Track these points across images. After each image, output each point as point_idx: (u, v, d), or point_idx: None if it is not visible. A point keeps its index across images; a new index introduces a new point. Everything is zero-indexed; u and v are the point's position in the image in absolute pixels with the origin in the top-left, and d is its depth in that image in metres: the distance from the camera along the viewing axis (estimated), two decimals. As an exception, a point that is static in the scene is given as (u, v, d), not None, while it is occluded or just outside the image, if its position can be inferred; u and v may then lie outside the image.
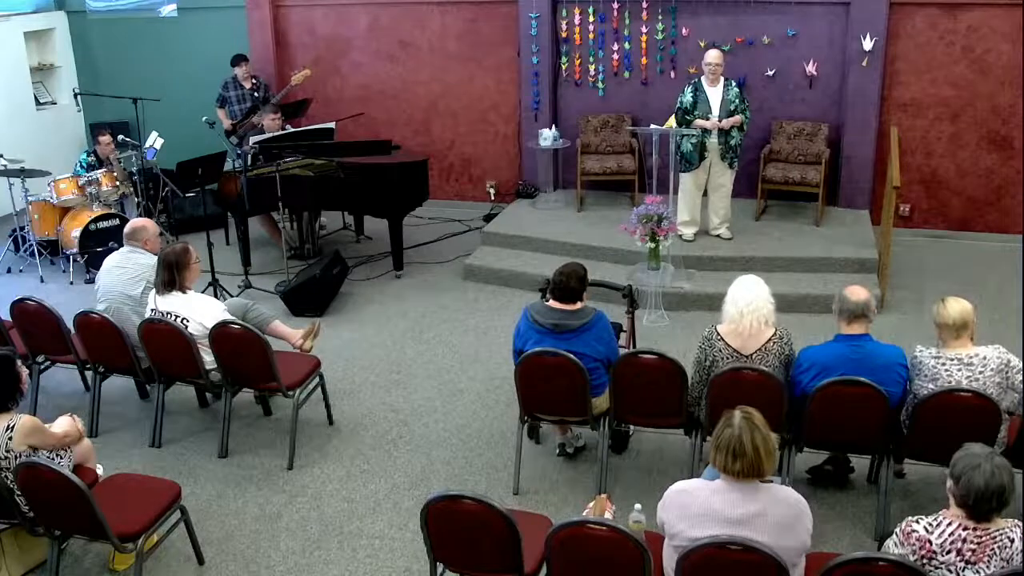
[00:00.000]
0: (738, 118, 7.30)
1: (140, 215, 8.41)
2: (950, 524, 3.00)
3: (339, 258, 7.59)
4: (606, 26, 8.80)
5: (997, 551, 2.95)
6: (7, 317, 5.62)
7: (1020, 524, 2.99)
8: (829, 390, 4.22)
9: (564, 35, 8.95)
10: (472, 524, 3.36)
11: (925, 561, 2.99)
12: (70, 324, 5.40)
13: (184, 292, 5.15)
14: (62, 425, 4.15)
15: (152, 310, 5.15)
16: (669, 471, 4.91)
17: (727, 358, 4.37)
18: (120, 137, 8.81)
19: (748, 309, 4.31)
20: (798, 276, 7.26)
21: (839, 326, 4.38)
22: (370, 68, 9.76)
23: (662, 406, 4.62)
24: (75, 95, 10.33)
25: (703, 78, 7.39)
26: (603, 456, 4.74)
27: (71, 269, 8.06)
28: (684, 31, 8.63)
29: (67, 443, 4.15)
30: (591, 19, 8.82)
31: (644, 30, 8.70)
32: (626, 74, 8.89)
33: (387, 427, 5.58)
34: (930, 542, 2.99)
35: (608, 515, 3.50)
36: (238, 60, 9.25)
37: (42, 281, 8.06)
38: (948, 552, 2.97)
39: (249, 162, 7.85)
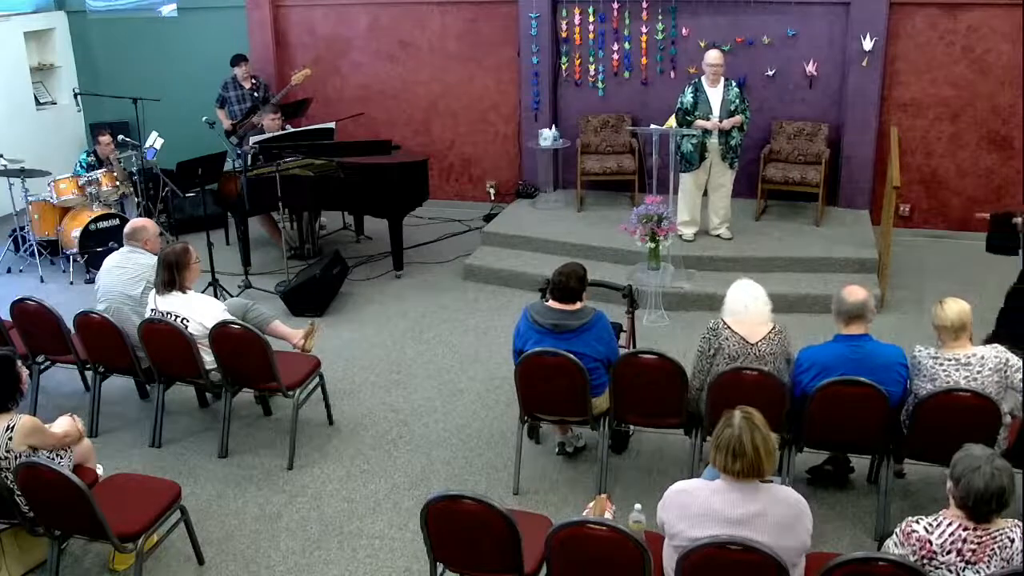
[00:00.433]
0: (739, 118, 7.31)
1: (140, 215, 8.41)
2: (950, 524, 3.00)
3: (339, 258, 7.59)
4: (606, 26, 8.80)
5: (997, 551, 2.95)
6: (7, 317, 5.62)
7: (1020, 524, 2.99)
8: (829, 390, 4.22)
9: (564, 35, 8.95)
10: (472, 524, 3.36)
11: (925, 561, 2.99)
12: (70, 324, 5.40)
13: (184, 292, 5.15)
14: (62, 425, 4.15)
15: (152, 310, 5.15)
16: (669, 471, 4.91)
17: (734, 346, 4.40)
18: (120, 137, 8.81)
19: (751, 302, 4.43)
20: (798, 276, 7.26)
21: (838, 326, 4.38)
22: (370, 68, 9.76)
23: (662, 406, 4.62)
24: (75, 95, 10.33)
25: (703, 78, 7.39)
26: (603, 456, 4.75)
27: (71, 269, 8.06)
28: (684, 31, 8.63)
29: (67, 443, 4.15)
30: (591, 19, 8.82)
31: (644, 30, 8.70)
32: (626, 74, 8.89)
33: (387, 427, 5.58)
34: (930, 542, 3.00)
35: (608, 515, 3.50)
36: (238, 60, 9.25)
37: (42, 281, 8.06)
38: (948, 552, 2.97)
39: (249, 162, 7.85)
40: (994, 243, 5.99)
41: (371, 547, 4.47)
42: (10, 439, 3.86)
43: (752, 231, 7.93)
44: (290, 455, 5.17)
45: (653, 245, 6.65)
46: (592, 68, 8.96)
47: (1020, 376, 4.15)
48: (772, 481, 3.19)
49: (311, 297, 7.17)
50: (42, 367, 5.71)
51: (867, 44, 8.06)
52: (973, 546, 2.96)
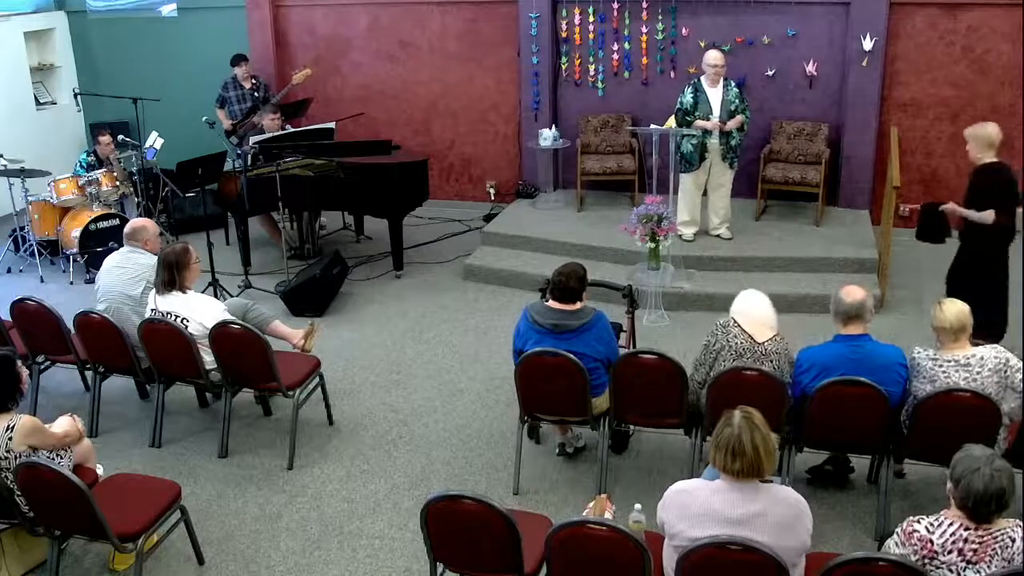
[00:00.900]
0: (740, 118, 7.31)
1: (140, 215, 8.41)
2: (951, 524, 3.00)
3: (339, 258, 7.59)
4: (606, 26, 8.80)
5: (999, 551, 2.95)
6: (7, 317, 5.62)
7: (1021, 524, 2.99)
8: (829, 390, 4.22)
9: (564, 35, 8.95)
10: (472, 524, 3.36)
11: (927, 561, 2.99)
12: (70, 324, 5.40)
13: (184, 292, 5.15)
14: (62, 425, 4.15)
15: (152, 310, 5.15)
16: (669, 471, 4.91)
17: (742, 343, 4.41)
18: (120, 137, 8.81)
19: (762, 306, 4.49)
20: (798, 276, 7.26)
21: (837, 327, 4.39)
22: (370, 68, 9.76)
23: (662, 406, 4.62)
24: (75, 95, 10.33)
25: (703, 78, 7.39)
26: (603, 456, 4.74)
27: (71, 269, 8.06)
28: (684, 31, 8.63)
29: (67, 443, 4.15)
30: (591, 19, 8.82)
31: (644, 30, 8.70)
32: (626, 74, 8.89)
33: (387, 427, 5.58)
34: (931, 542, 2.99)
35: (608, 515, 3.50)
36: (238, 60, 9.25)
37: (42, 281, 8.06)
38: (949, 552, 2.97)
39: (249, 162, 7.85)
40: (923, 232, 6.21)
41: (371, 547, 4.47)
42: (10, 439, 3.86)
43: (752, 231, 7.93)
44: (290, 455, 5.17)
45: (653, 245, 6.65)
46: (592, 68, 8.95)
47: (1020, 377, 4.15)
48: (772, 481, 3.19)
49: (311, 297, 7.17)
50: (42, 367, 5.71)
51: (867, 44, 8.05)
52: (974, 546, 2.96)
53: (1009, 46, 7.89)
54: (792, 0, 8.24)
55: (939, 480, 4.33)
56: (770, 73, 8.47)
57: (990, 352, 4.21)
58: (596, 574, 3.23)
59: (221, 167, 7.82)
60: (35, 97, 10.49)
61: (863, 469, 4.90)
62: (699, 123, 7.28)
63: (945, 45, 8.09)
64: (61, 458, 4.09)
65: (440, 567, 3.63)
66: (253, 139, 8.22)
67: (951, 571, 2.97)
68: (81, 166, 8.44)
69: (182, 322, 5.07)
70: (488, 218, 8.99)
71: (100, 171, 8.30)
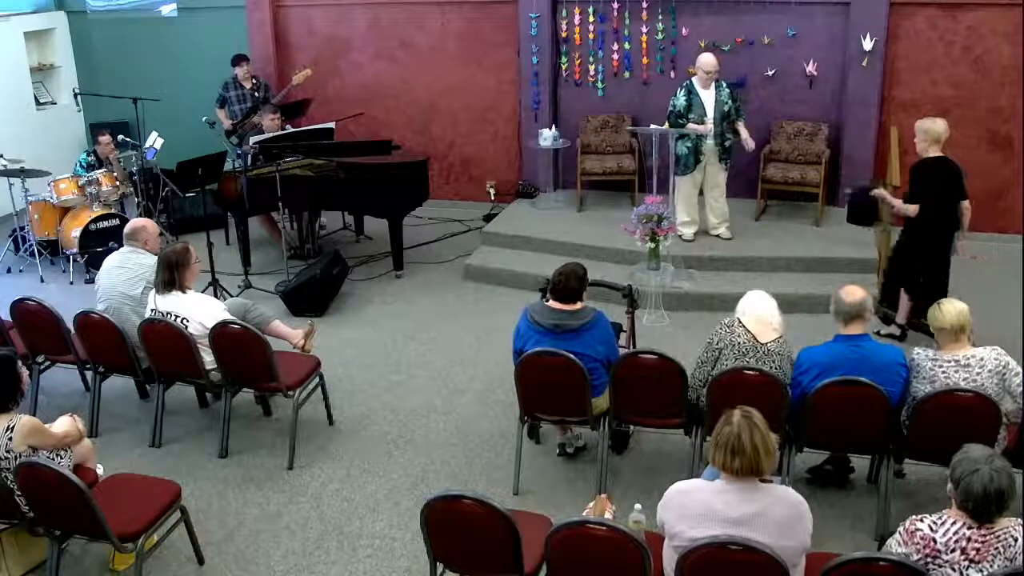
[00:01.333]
0: (743, 128, 7.32)
1: (140, 215, 8.41)
2: (954, 523, 3.00)
3: (339, 258, 7.59)
4: (606, 26, 8.80)
5: (1001, 550, 2.95)
6: (7, 317, 5.62)
7: (1023, 523, 2.99)
8: (829, 390, 4.22)
9: (564, 35, 8.95)
10: (472, 524, 3.36)
11: (929, 560, 2.99)
12: (70, 324, 5.40)
13: (184, 292, 5.15)
14: (62, 425, 4.15)
15: (152, 310, 5.15)
16: (669, 471, 4.89)
17: (745, 342, 4.41)
18: (120, 137, 8.81)
19: (765, 306, 4.49)
20: (798, 276, 7.26)
21: (837, 327, 4.39)
22: (370, 68, 9.76)
23: (662, 406, 4.62)
24: (75, 95, 10.34)
25: (695, 80, 7.39)
26: (603, 456, 4.74)
27: (71, 269, 8.06)
28: (684, 31, 8.63)
29: (67, 443, 4.15)
30: (591, 19, 8.81)
31: (644, 30, 8.70)
32: (626, 74, 8.88)
33: (387, 427, 5.58)
34: (934, 541, 2.99)
35: (608, 515, 3.50)
36: (238, 60, 9.25)
37: (42, 281, 8.06)
38: (952, 551, 2.97)
39: (249, 162, 7.86)
40: (852, 215, 6.46)
41: (371, 547, 4.47)
42: (10, 439, 3.86)
43: (752, 231, 7.93)
44: (290, 455, 5.17)
45: (653, 245, 6.65)
46: (592, 68, 8.95)
47: (1018, 381, 4.15)
48: (772, 481, 3.19)
49: (311, 297, 7.17)
50: (42, 367, 5.71)
51: (867, 44, 8.05)
52: (977, 545, 2.96)
53: (1009, 46, 7.89)
54: (792, 0, 8.24)
55: (939, 480, 4.33)
56: (770, 73, 8.46)
57: (990, 353, 4.21)
58: (596, 574, 3.23)
59: (221, 167, 7.82)
60: (35, 97, 10.49)
61: (863, 469, 4.90)
62: (691, 126, 7.26)
63: (945, 45, 8.09)
64: (61, 458, 4.09)
65: (440, 567, 3.63)
66: (253, 139, 8.22)
67: (954, 570, 2.97)
68: (81, 166, 8.44)
69: (182, 322, 5.07)
70: (488, 218, 8.99)
71: (100, 171, 8.30)
